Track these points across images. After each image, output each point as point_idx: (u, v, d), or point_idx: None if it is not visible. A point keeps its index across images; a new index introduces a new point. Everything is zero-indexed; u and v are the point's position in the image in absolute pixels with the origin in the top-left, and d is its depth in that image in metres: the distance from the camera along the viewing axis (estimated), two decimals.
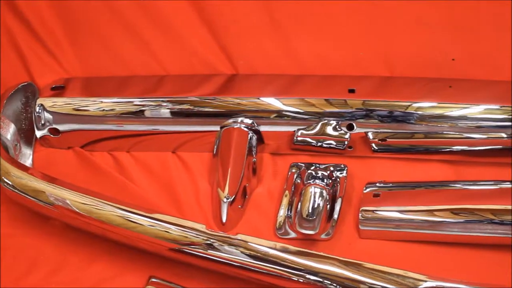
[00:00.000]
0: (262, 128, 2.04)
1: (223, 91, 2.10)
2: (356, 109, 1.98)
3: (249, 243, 1.73)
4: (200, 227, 1.76)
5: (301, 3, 2.06)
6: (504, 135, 1.96)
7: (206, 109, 2.05)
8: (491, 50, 2.06)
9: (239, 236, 1.75)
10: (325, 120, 2.00)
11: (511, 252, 1.80)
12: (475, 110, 1.97)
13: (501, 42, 2.04)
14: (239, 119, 2.03)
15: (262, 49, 2.14)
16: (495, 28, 2.04)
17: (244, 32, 2.12)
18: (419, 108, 1.97)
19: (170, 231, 1.76)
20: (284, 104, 2.02)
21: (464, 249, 1.83)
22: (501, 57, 2.05)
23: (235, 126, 2.03)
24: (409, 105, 1.98)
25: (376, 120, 1.98)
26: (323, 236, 1.85)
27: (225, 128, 2.03)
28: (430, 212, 1.84)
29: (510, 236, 1.79)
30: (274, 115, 2.03)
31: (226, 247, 1.72)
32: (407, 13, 2.05)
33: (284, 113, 2.02)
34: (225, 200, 1.89)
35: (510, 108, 1.95)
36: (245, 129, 2.02)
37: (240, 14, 2.10)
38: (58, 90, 2.14)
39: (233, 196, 1.90)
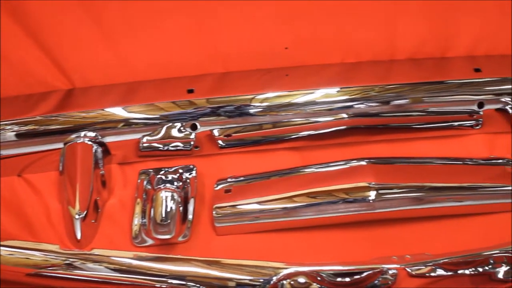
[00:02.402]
0: (107, 139, 2.01)
1: (64, 106, 2.05)
2: (197, 108, 1.99)
3: (106, 257, 1.71)
4: (54, 247, 1.72)
5: (128, 10, 2.04)
6: (345, 115, 2.02)
7: (52, 127, 2.00)
8: (320, 36, 2.11)
9: (95, 251, 1.73)
10: (169, 123, 1.99)
11: (362, 228, 1.87)
12: (315, 95, 2.02)
13: (329, 27, 2.10)
14: (82, 133, 1.99)
15: (96, 60, 2.10)
16: (323, 13, 2.09)
17: (75, 45, 2.08)
18: (259, 99, 2.01)
19: (27, 257, 1.71)
20: (128, 112, 2.01)
21: (318, 232, 1.87)
22: (329, 41, 2.11)
23: (79, 141, 1.98)
24: (252, 98, 2.01)
25: (219, 117, 2.00)
26: (180, 239, 1.85)
27: (69, 144, 1.99)
28: (284, 199, 1.87)
29: (362, 212, 1.84)
30: (120, 124, 2.00)
31: (84, 264, 1.69)
32: (235, 8, 2.06)
33: (128, 121, 2.00)
34: (77, 216, 1.85)
35: (348, 89, 2.02)
36: (89, 142, 1.99)
37: (69, 28, 2.05)
38: None
39: (85, 212, 1.86)
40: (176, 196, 1.84)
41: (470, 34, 2.15)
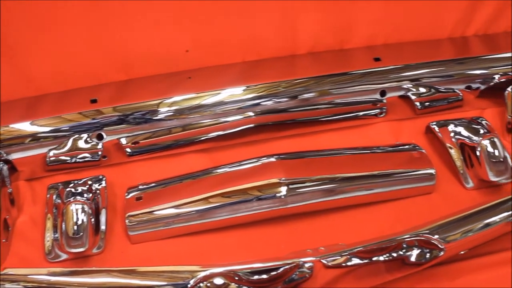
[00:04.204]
0: (13, 156, 1.96)
1: None
2: (102, 118, 1.97)
3: (21, 276, 1.67)
4: None
5: (26, 23, 2.00)
6: (251, 113, 2.03)
7: None
8: (220, 36, 2.12)
9: (9, 271, 1.68)
10: (75, 135, 1.97)
11: (276, 224, 1.88)
12: (222, 96, 2.04)
13: (228, 27, 2.12)
14: None
15: None
16: (221, 14, 2.10)
17: None
18: (166, 104, 2.01)
19: None
20: (31, 126, 1.97)
21: (233, 231, 1.88)
22: (229, 41, 2.13)
23: None
24: (159, 103, 2.01)
25: (125, 125, 1.98)
26: (94, 251, 1.82)
27: None
28: (196, 202, 1.87)
29: (275, 208, 1.86)
30: (25, 140, 1.96)
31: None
32: (133, 15, 2.05)
33: (34, 135, 1.96)
34: None
35: (255, 87, 2.04)
36: None
37: None
38: None
39: None
40: (86, 208, 1.81)
41: (367, 24, 2.19)
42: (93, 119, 1.98)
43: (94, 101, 2.01)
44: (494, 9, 2.25)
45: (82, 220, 1.78)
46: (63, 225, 1.79)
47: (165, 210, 1.86)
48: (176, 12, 2.06)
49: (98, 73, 2.09)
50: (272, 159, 1.93)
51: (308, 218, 1.89)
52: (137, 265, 1.69)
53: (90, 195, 1.91)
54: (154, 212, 1.86)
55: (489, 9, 2.25)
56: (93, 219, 1.83)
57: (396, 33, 2.22)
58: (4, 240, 1.86)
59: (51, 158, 1.98)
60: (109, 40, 2.06)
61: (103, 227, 1.86)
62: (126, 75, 2.11)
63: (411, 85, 2.11)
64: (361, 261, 1.65)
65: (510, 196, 1.81)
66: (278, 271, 1.61)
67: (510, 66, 2.16)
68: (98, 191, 1.92)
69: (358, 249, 1.65)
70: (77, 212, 1.80)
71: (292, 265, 1.62)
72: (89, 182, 1.94)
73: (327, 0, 2.12)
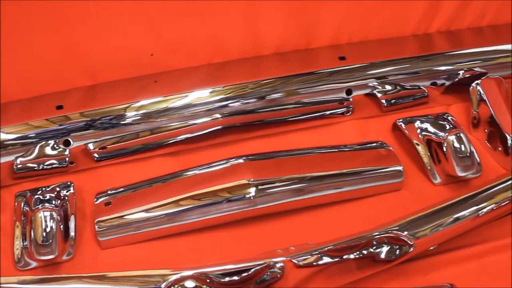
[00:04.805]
0: None
1: None
2: (69, 123, 1.96)
3: None
4: None
5: None
6: (219, 115, 2.03)
7: None
8: (185, 39, 2.11)
9: None
10: (41, 141, 1.95)
11: (246, 226, 1.89)
12: (190, 98, 2.03)
13: (192, 29, 2.11)
14: None
15: None
16: (185, 16, 2.09)
17: None
18: (133, 108, 2.00)
19: None
20: None
21: (204, 234, 1.88)
22: (194, 43, 2.12)
23: None
24: (127, 107, 2.00)
25: (92, 130, 1.97)
26: (64, 258, 1.81)
27: None
28: (166, 205, 1.86)
29: (244, 210, 1.86)
30: None
31: None
32: (97, 19, 2.03)
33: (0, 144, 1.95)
34: None
35: (222, 89, 2.05)
36: None
37: None
38: None
39: None
40: (55, 215, 1.80)
41: (332, 24, 2.19)
42: (60, 125, 1.96)
43: (60, 107, 1.99)
44: (457, 5, 2.27)
45: (51, 227, 1.77)
46: (32, 233, 1.78)
47: (135, 214, 1.86)
48: (140, 16, 2.05)
49: (63, 79, 2.07)
50: (241, 160, 1.93)
51: (278, 218, 1.90)
52: (107, 271, 1.67)
53: (59, 201, 1.90)
54: (124, 217, 1.85)
55: (451, 6, 2.27)
56: (62, 226, 1.82)
57: (361, 31, 2.23)
58: None
59: (18, 166, 1.96)
60: (73, 45, 2.05)
61: (72, 233, 1.85)
62: (92, 80, 2.09)
63: (377, 83, 2.12)
64: (331, 260, 1.66)
65: (478, 190, 1.82)
66: (249, 272, 1.61)
67: (474, 62, 2.18)
68: (66, 198, 1.91)
69: (329, 247, 1.66)
70: (46, 219, 1.78)
71: (263, 265, 1.62)
72: (57, 189, 1.93)
73: (291, 0, 2.12)
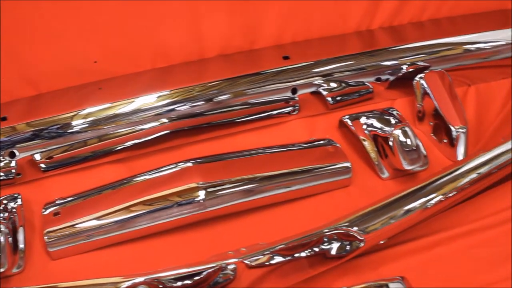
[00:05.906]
0: None
1: None
2: (13, 135, 1.94)
3: None
4: None
5: None
6: (166, 120, 2.03)
7: None
8: (127, 44, 2.11)
9: None
10: None
11: (197, 229, 1.89)
12: (136, 104, 2.02)
13: (135, 34, 2.10)
14: None
15: None
16: (127, 21, 2.08)
17: None
18: (78, 116, 1.98)
19: None
20: None
21: (155, 239, 1.88)
22: (137, 48, 2.11)
23: None
24: (74, 115, 1.98)
25: (37, 140, 1.95)
26: (14, 270, 1.78)
27: None
28: (116, 212, 1.85)
29: (195, 213, 1.86)
30: None
31: None
32: (37, 27, 2.01)
33: None
34: None
35: (169, 93, 2.04)
36: None
37: None
38: None
39: None
40: (3, 228, 1.78)
41: (274, 23, 2.20)
42: (4, 137, 1.94)
43: (3, 119, 1.96)
44: (398, 1, 2.29)
45: None
46: None
47: (85, 223, 1.84)
48: (81, 23, 2.03)
49: (5, 90, 2.04)
50: (189, 164, 1.93)
51: (229, 220, 1.90)
52: (59, 281, 1.66)
53: (6, 214, 1.87)
54: (73, 226, 1.84)
55: (393, 2, 2.29)
56: (10, 239, 1.80)
57: (304, 30, 2.25)
58: None
59: None
60: (13, 55, 2.02)
61: (21, 245, 1.82)
62: (35, 90, 2.07)
63: (322, 81, 2.13)
64: (283, 259, 1.67)
65: (425, 183, 1.85)
66: (202, 276, 1.62)
67: (417, 56, 2.20)
68: (14, 210, 1.88)
69: (280, 247, 1.67)
70: None
71: (215, 268, 1.62)
72: (4, 201, 1.90)
73: (232, 1, 2.12)
